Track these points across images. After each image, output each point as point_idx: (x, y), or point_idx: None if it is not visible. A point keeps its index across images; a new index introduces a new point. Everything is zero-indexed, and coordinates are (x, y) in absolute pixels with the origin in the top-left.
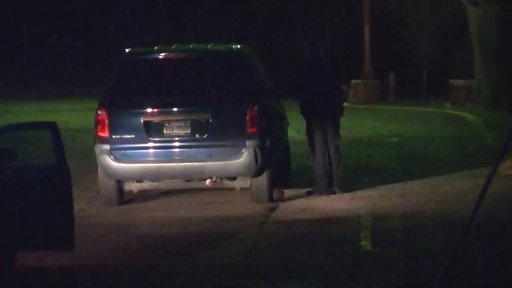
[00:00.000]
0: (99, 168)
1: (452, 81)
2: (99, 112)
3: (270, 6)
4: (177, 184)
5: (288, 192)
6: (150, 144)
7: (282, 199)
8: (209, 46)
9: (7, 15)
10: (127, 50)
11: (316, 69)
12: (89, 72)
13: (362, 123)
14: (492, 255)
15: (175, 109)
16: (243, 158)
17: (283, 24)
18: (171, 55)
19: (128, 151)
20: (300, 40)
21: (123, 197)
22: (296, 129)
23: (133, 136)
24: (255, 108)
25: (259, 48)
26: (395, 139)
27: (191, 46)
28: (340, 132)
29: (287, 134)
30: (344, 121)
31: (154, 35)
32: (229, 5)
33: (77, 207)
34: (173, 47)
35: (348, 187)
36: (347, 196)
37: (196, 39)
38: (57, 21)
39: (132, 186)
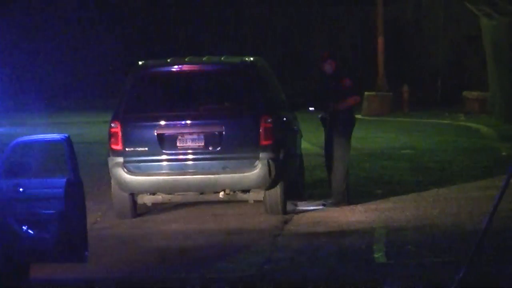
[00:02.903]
0: (112, 181)
1: (465, 92)
2: (112, 124)
3: (285, 17)
4: (190, 196)
5: (301, 205)
6: (164, 157)
7: (295, 211)
8: (222, 58)
9: (18, 25)
10: (140, 63)
11: (331, 81)
12: (103, 85)
13: (375, 135)
14: (505, 267)
15: (188, 121)
16: (257, 170)
17: (298, 35)
18: (184, 67)
19: (141, 164)
20: (316, 51)
21: (136, 210)
22: (309, 141)
23: (146, 148)
24: (269, 120)
25: (274, 59)
26: (408, 151)
27: (204, 58)
28: (353, 145)
29: (300, 146)
30: (357, 133)
31: (170, 47)
32: (245, 17)
33: (91, 219)
34: (186, 59)
35: (361, 199)
36: (361, 208)
37: (211, 51)
38: (72, 31)
39: (146, 199)
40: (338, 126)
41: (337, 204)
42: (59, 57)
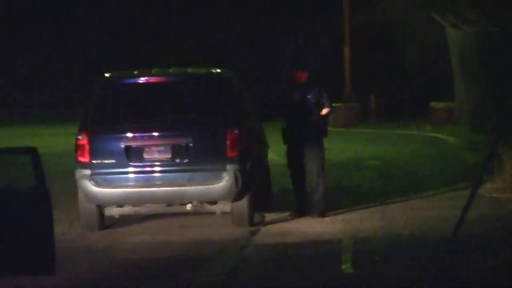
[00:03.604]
0: (79, 193)
1: (433, 103)
2: (79, 136)
3: (250, 23)
4: (158, 208)
5: (269, 216)
6: (131, 169)
7: (263, 222)
8: (189, 70)
9: None
10: (106, 74)
11: (302, 91)
12: (69, 96)
13: (342, 146)
14: (473, 272)
15: (155, 133)
16: (224, 182)
17: (267, 44)
18: (151, 79)
19: (108, 176)
20: (283, 60)
21: (104, 222)
22: (276, 152)
23: (113, 161)
24: (235, 131)
25: (243, 68)
26: (376, 162)
27: (171, 70)
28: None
29: (267, 157)
30: (325, 144)
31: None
32: (213, 24)
33: (58, 231)
34: (152, 71)
35: (328, 210)
36: (328, 219)
37: (180, 62)
38: (36, 43)
39: (113, 211)
40: (312, 137)
41: (322, 214)
42: (25, 65)
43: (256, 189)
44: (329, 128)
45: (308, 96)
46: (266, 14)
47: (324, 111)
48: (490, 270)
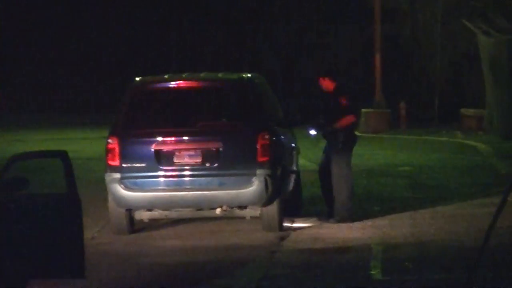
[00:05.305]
0: (109, 197)
1: (463, 110)
2: (109, 140)
3: (283, 32)
4: (187, 212)
5: (299, 221)
6: (161, 173)
7: (292, 228)
8: (220, 75)
9: (18, 42)
10: (138, 79)
11: (329, 99)
12: (100, 101)
13: (373, 152)
14: (503, 283)
15: (185, 137)
16: (254, 187)
17: (297, 51)
18: (182, 83)
19: (138, 180)
20: (315, 67)
21: (133, 226)
22: (307, 157)
23: (143, 164)
24: (266, 137)
25: (273, 75)
26: (406, 168)
27: (202, 74)
28: (351, 162)
29: (298, 162)
30: (355, 150)
31: (168, 63)
32: (244, 33)
33: (87, 235)
34: (184, 75)
35: (358, 215)
36: (358, 225)
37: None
38: (69, 48)
39: (143, 215)
40: (337, 145)
41: (341, 220)
42: (57, 70)
43: (286, 194)
44: (359, 134)
45: (331, 105)
46: (297, 21)
47: (345, 120)
48: None
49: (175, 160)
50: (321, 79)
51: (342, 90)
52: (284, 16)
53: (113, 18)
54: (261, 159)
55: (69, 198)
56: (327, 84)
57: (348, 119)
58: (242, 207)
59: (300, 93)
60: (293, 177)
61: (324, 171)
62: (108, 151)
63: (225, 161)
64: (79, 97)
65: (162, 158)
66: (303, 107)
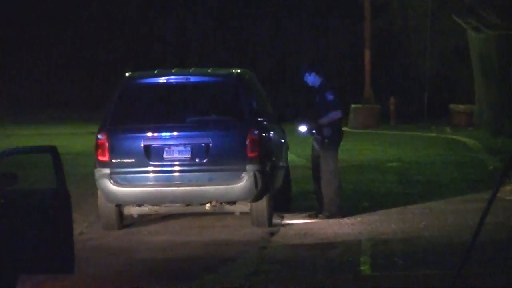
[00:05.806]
0: (99, 192)
1: (452, 105)
2: (99, 136)
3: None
4: (177, 208)
5: (288, 217)
6: (150, 168)
7: (282, 223)
8: (209, 70)
9: (6, 36)
10: (127, 74)
11: (314, 95)
12: (89, 96)
13: (362, 147)
14: (493, 280)
15: (175, 133)
16: (243, 182)
17: (286, 47)
18: (171, 79)
19: (128, 175)
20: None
21: (123, 221)
22: (296, 153)
23: (133, 160)
24: (255, 132)
25: (262, 71)
26: (395, 163)
27: (191, 70)
28: (340, 157)
29: (287, 158)
30: (343, 145)
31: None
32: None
33: (77, 230)
34: (173, 71)
35: (348, 211)
36: (347, 220)
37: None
38: (58, 43)
39: (132, 210)
40: (324, 141)
41: (331, 216)
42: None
43: (276, 190)
44: (348, 129)
45: (317, 101)
46: (287, 17)
47: (331, 116)
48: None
49: (165, 156)
50: (307, 74)
51: (328, 85)
52: (273, 12)
53: (106, 13)
54: (250, 154)
55: (58, 193)
56: (310, 78)
57: (334, 115)
58: (231, 202)
59: (290, 89)
60: (282, 173)
61: (317, 167)
62: (98, 146)
63: (215, 156)
64: (69, 92)
65: (152, 154)
66: (293, 103)
